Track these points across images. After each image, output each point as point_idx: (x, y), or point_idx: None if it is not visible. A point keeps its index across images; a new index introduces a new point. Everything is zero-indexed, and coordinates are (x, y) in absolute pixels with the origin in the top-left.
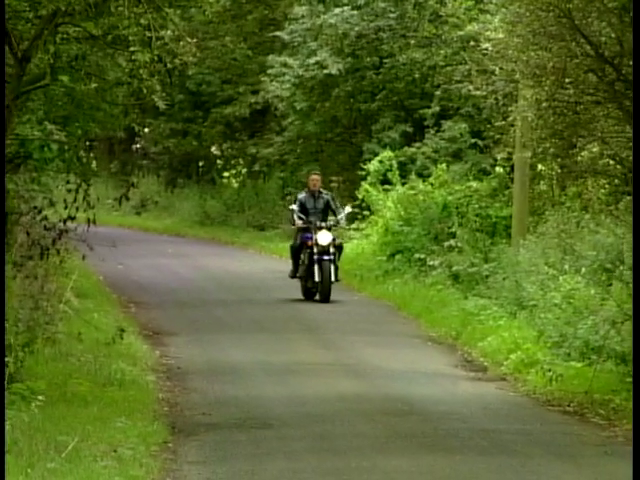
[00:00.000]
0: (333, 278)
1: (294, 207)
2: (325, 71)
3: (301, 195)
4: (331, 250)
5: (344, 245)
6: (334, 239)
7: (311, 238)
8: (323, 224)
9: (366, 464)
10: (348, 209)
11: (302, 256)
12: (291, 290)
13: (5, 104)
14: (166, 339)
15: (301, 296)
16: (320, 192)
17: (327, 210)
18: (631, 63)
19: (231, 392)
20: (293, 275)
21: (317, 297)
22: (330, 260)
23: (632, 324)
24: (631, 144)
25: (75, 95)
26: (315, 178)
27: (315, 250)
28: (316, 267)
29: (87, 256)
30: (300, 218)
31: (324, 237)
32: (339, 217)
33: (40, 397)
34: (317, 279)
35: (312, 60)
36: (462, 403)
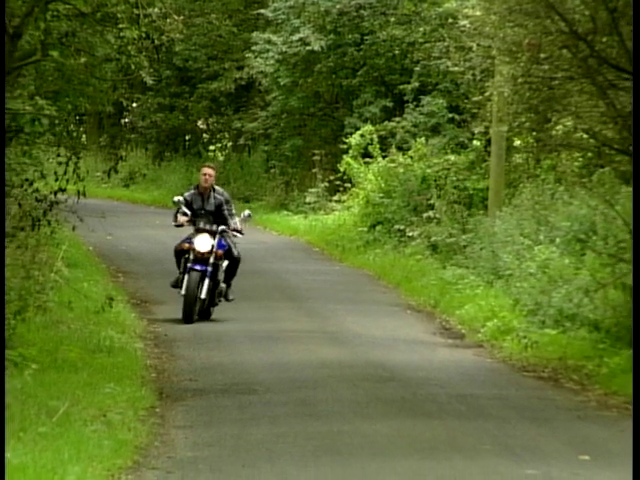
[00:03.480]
0: (203, 294)
1: (179, 198)
2: (308, 48)
3: (188, 192)
4: (211, 260)
5: (241, 258)
6: (221, 247)
7: (190, 241)
8: (207, 227)
9: (348, 428)
10: (247, 213)
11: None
12: (275, 260)
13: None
14: (154, 307)
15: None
16: (214, 190)
17: (220, 214)
18: (604, 40)
19: (216, 359)
20: (175, 285)
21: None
22: (203, 271)
23: (632, 323)
24: (604, 118)
25: (65, 71)
26: (207, 172)
27: (190, 257)
28: (186, 277)
29: (77, 227)
30: (185, 214)
31: (202, 242)
32: (234, 222)
33: (34, 366)
34: (183, 292)
35: (295, 37)
36: (440, 369)
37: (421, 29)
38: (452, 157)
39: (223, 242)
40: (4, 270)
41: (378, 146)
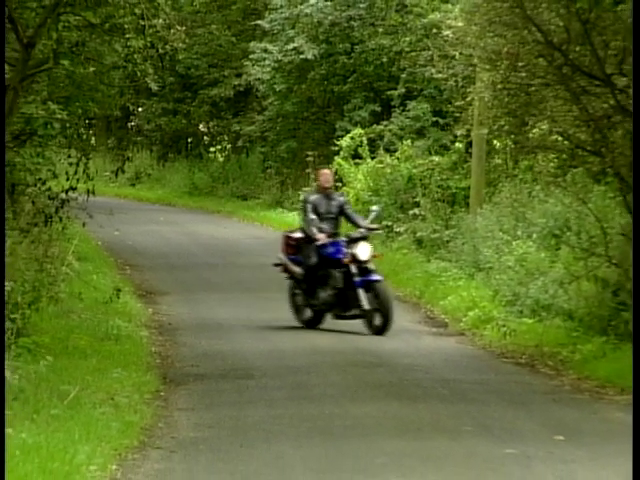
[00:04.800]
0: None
1: (309, 214)
2: (302, 56)
3: (312, 196)
4: (373, 267)
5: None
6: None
7: (343, 253)
8: (357, 234)
9: (338, 411)
10: (375, 208)
11: (331, 279)
12: (270, 253)
13: (12, 87)
14: (158, 298)
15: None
16: (332, 193)
17: (341, 215)
18: (577, 49)
19: (217, 346)
20: (306, 319)
21: (370, 330)
22: (380, 281)
23: (632, 317)
24: (577, 122)
25: (76, 78)
26: (327, 172)
27: (354, 270)
28: (361, 292)
29: (87, 223)
30: (322, 230)
31: (364, 250)
32: (367, 220)
33: (47, 355)
34: (366, 307)
35: (290, 46)
36: (425, 356)
37: (407, 39)
38: (436, 158)
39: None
40: (4, 270)
41: (367, 148)
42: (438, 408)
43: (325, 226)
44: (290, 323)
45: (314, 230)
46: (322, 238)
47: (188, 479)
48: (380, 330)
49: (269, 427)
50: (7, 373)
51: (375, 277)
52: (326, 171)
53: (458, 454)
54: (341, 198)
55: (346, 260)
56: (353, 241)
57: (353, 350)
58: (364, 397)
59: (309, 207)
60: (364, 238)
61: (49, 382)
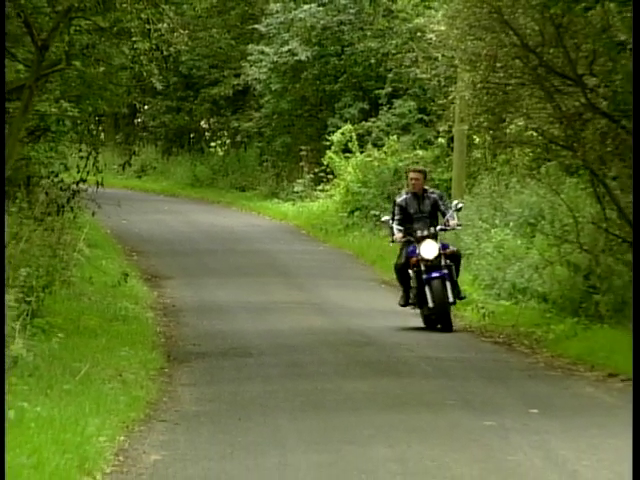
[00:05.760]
0: (451, 298)
1: (386, 218)
2: (296, 58)
3: (400, 198)
4: (442, 263)
5: (462, 254)
6: (446, 248)
7: (415, 253)
8: (425, 232)
9: (330, 386)
10: (457, 204)
11: (410, 279)
12: (267, 241)
13: (27, 86)
14: (163, 282)
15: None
16: (425, 191)
17: (436, 213)
18: (551, 51)
19: (217, 326)
20: (404, 303)
21: (438, 325)
22: (442, 277)
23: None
24: (551, 119)
25: (86, 78)
26: (414, 177)
27: (422, 268)
28: (427, 289)
29: (96, 212)
30: (400, 230)
31: (428, 249)
32: (448, 216)
33: (60, 334)
34: (430, 304)
35: (285, 48)
36: (410, 336)
37: (393, 42)
38: (420, 152)
39: (444, 242)
40: (4, 271)
41: (356, 143)
42: (422, 384)
43: (416, 226)
44: (286, 305)
45: (393, 230)
46: (395, 238)
47: (191, 449)
48: (442, 328)
49: (266, 401)
50: (23, 351)
51: (434, 274)
52: (413, 174)
53: (441, 426)
54: (434, 195)
55: (413, 259)
56: (421, 239)
57: (345, 330)
58: (354, 374)
59: (395, 209)
60: (430, 236)
61: (62, 359)
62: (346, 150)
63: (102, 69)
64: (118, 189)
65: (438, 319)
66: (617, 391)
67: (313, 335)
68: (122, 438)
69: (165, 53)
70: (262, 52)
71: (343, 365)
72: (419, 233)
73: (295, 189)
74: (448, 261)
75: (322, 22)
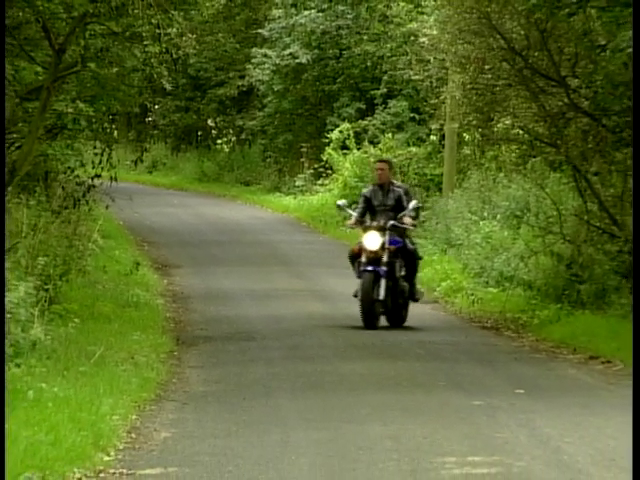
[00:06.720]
0: (381, 296)
1: (342, 202)
2: (297, 60)
3: (367, 189)
4: (384, 259)
5: (418, 254)
6: (396, 244)
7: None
8: (374, 223)
9: (329, 368)
10: (416, 203)
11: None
12: (270, 233)
13: (45, 87)
14: (172, 271)
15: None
16: (392, 184)
17: (400, 207)
18: (536, 54)
19: (223, 312)
20: (355, 293)
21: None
22: (375, 272)
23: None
24: (536, 118)
25: (100, 79)
26: (379, 167)
27: (363, 259)
28: (359, 282)
29: (110, 206)
30: (355, 218)
31: (371, 240)
32: (403, 213)
33: (76, 320)
34: (358, 297)
35: (286, 52)
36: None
37: (388, 45)
38: (413, 149)
39: (397, 238)
40: (4, 270)
41: (354, 140)
42: (415, 366)
43: (379, 218)
44: (288, 292)
45: (351, 215)
46: (347, 223)
47: (198, 427)
48: (364, 325)
49: (268, 382)
50: (41, 335)
51: (368, 267)
52: (378, 164)
53: (433, 405)
54: (399, 189)
55: (355, 248)
56: (367, 229)
57: (343, 316)
58: (352, 356)
59: (360, 199)
60: (378, 228)
61: (77, 343)
62: (344, 147)
63: (115, 71)
64: (130, 184)
65: (362, 313)
66: (598, 372)
67: (313, 320)
68: (134, 417)
69: (174, 56)
70: (265, 55)
71: (341, 348)
72: (368, 223)
73: (296, 183)
74: (398, 259)
75: (321, 27)
